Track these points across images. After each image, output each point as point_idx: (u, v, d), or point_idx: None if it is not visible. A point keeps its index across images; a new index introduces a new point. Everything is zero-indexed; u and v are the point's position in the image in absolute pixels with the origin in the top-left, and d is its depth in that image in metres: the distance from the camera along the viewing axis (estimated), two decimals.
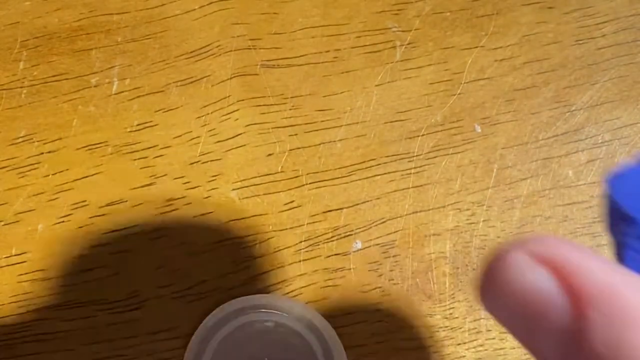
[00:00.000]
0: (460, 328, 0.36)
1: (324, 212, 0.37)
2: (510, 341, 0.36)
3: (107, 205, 0.36)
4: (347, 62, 0.37)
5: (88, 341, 0.35)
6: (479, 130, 0.37)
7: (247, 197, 0.36)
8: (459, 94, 0.38)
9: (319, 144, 0.37)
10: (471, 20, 0.38)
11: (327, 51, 0.37)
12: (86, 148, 0.36)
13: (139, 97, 0.37)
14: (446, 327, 0.36)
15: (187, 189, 0.36)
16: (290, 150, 0.37)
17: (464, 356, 0.36)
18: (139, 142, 0.36)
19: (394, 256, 0.36)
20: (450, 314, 0.36)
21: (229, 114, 0.37)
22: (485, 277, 0.16)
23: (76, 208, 0.36)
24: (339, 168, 0.37)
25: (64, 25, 0.37)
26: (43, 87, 0.37)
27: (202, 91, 0.37)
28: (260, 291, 0.36)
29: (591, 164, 0.37)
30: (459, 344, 0.36)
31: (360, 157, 0.37)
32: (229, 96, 0.37)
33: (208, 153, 0.36)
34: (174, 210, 0.36)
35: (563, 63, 0.38)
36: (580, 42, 0.38)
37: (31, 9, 0.37)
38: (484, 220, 0.37)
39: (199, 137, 0.37)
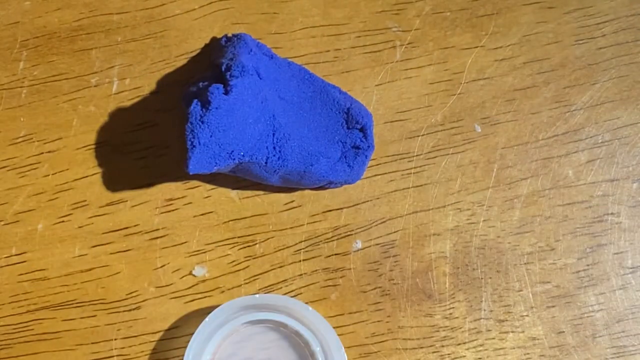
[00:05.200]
0: (460, 328, 0.36)
1: (324, 212, 0.37)
2: (510, 341, 0.36)
3: (107, 205, 0.36)
4: (347, 62, 0.37)
5: (88, 341, 0.35)
6: (479, 130, 0.37)
7: (247, 197, 0.36)
8: (459, 94, 0.38)
9: None
10: (471, 20, 0.38)
11: (327, 51, 0.37)
12: (86, 148, 0.36)
13: (139, 97, 0.37)
14: (446, 327, 0.36)
15: (187, 189, 0.36)
16: None
17: (464, 356, 0.36)
18: (139, 142, 0.36)
19: (394, 256, 0.36)
20: (450, 314, 0.36)
21: None
22: None
23: (76, 208, 0.36)
24: None
25: (64, 25, 0.37)
26: (43, 87, 0.37)
27: None
28: (260, 291, 0.36)
29: (591, 164, 0.37)
30: (459, 344, 0.36)
31: None
32: None
33: None
34: (174, 210, 0.36)
35: (563, 63, 0.38)
36: (580, 42, 0.38)
37: (31, 9, 0.37)
38: (484, 220, 0.37)
39: None
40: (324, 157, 0.34)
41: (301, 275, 0.36)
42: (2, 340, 0.35)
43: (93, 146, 0.36)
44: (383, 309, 0.36)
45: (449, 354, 0.36)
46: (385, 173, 0.37)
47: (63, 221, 0.36)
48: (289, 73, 0.35)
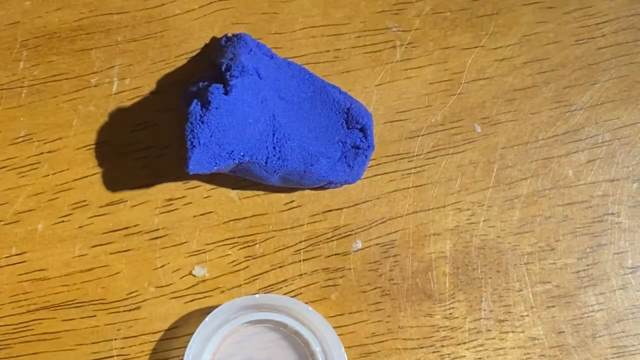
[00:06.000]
0: (460, 328, 0.36)
1: (324, 212, 0.37)
2: (510, 341, 0.36)
3: (107, 205, 0.36)
4: (347, 62, 0.37)
5: (88, 341, 0.35)
6: (479, 130, 0.37)
7: (247, 197, 0.36)
8: (459, 94, 0.38)
9: None
10: (471, 20, 0.38)
11: (327, 51, 0.37)
12: (86, 148, 0.36)
13: (139, 97, 0.37)
14: (446, 327, 0.36)
15: (187, 189, 0.36)
16: None
17: (464, 356, 0.36)
18: (139, 142, 0.36)
19: (394, 256, 0.36)
20: (450, 314, 0.36)
21: None
22: None
23: (76, 208, 0.36)
24: None
25: (64, 25, 0.37)
26: (43, 87, 0.37)
27: None
28: (260, 291, 0.36)
29: (591, 164, 0.37)
30: (459, 344, 0.36)
31: None
32: None
33: None
34: (174, 210, 0.36)
35: (563, 63, 0.38)
36: (580, 42, 0.38)
37: (31, 9, 0.37)
38: (484, 220, 0.37)
39: None
40: (324, 157, 0.34)
41: (301, 275, 0.36)
42: (2, 340, 0.35)
43: (93, 146, 0.36)
44: (383, 309, 0.36)
45: (449, 354, 0.36)
46: (385, 173, 0.37)
47: (63, 221, 0.36)
48: (289, 73, 0.35)
